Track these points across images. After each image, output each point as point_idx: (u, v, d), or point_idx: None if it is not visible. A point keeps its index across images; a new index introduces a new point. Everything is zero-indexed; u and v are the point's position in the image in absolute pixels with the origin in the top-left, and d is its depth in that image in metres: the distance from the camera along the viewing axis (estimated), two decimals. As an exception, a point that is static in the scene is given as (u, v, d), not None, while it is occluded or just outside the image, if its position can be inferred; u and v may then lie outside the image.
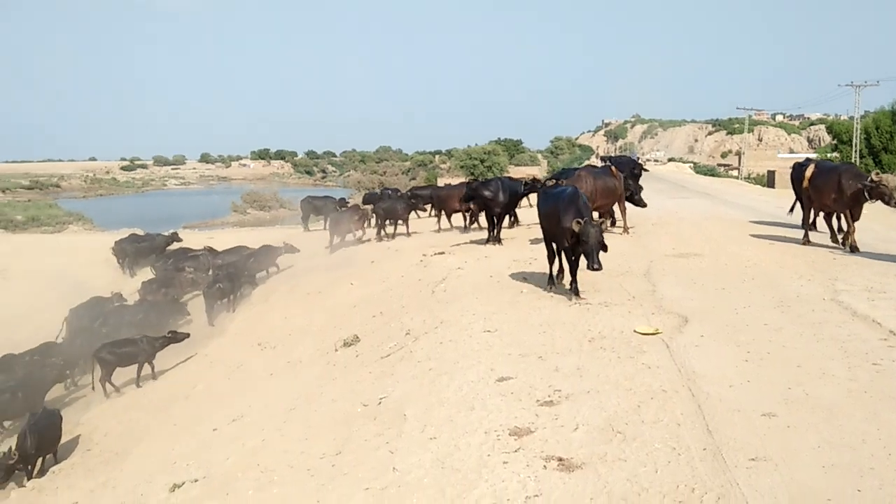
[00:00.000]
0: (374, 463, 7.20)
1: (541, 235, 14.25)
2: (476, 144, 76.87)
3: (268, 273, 24.72)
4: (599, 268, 11.70)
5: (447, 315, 12.23)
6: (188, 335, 18.82)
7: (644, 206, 21.45)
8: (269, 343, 16.20)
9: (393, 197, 27.06)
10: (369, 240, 24.64)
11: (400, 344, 11.56)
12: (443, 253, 18.44)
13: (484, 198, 19.68)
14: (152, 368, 18.03)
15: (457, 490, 6.17)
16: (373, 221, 25.52)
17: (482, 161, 67.12)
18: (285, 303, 19.25)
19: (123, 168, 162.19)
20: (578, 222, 11.80)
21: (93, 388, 18.17)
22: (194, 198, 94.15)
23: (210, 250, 27.32)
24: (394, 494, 6.39)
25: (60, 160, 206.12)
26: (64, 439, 15.55)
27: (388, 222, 24.68)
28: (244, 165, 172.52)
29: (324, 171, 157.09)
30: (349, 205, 30.52)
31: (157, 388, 16.99)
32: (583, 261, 12.03)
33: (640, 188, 21.79)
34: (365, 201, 29.95)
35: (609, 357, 9.02)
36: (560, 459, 6.36)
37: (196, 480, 8.70)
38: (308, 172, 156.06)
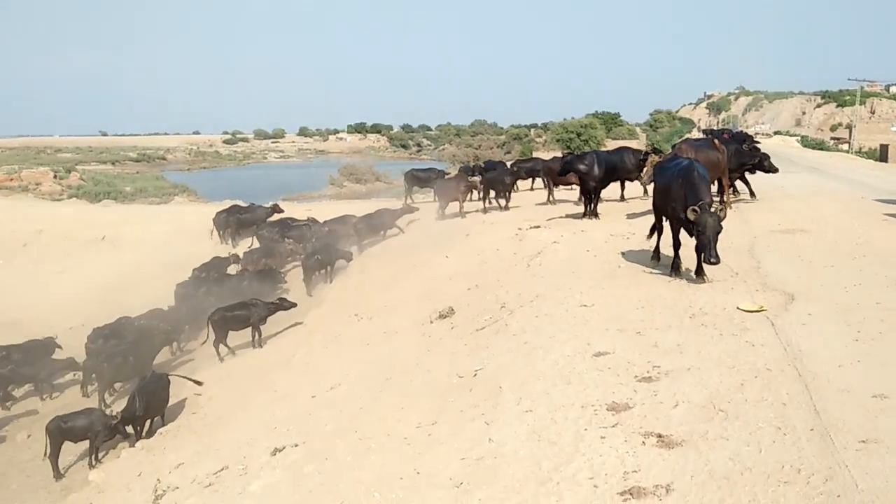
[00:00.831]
0: (469, 433, 7.26)
1: (638, 209, 14.00)
2: (572, 118, 75.61)
3: (384, 236, 25.05)
4: (717, 261, 11.10)
5: (543, 289, 12.18)
6: (295, 304, 19.29)
7: (776, 170, 21.74)
8: (366, 314, 16.47)
9: (499, 169, 26.96)
10: (463, 214, 24.69)
11: (495, 317, 11.59)
12: (538, 227, 18.34)
13: (579, 171, 19.44)
14: (259, 334, 18.58)
15: (553, 463, 6.16)
16: (474, 195, 25.52)
17: (578, 134, 66.07)
18: (381, 275, 19.49)
19: (225, 141, 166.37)
20: (694, 210, 11.15)
21: (203, 344, 18.82)
22: (293, 171, 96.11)
23: (313, 220, 27.88)
24: (489, 465, 6.43)
25: (166, 134, 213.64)
26: (171, 402, 16.25)
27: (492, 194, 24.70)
28: (341, 139, 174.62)
29: (419, 145, 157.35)
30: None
31: (257, 356, 17.50)
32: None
33: (767, 155, 21.67)
34: (470, 173, 29.86)
35: (711, 334, 8.82)
36: (659, 436, 6.28)
37: (296, 445, 8.95)
38: (403, 146, 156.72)
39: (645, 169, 20.35)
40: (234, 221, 29.31)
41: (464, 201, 24.75)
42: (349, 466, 7.58)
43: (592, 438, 6.44)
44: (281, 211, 30.19)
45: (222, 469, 9.36)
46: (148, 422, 14.95)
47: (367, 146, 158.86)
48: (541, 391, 7.77)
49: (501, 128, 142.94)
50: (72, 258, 29.65)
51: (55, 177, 64.92)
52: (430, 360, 10.71)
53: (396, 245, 22.95)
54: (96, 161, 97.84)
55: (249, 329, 18.56)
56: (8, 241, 31.24)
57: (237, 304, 19.07)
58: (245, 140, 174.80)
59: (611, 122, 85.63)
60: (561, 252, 14.91)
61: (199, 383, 15.98)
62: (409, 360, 11.28)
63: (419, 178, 31.81)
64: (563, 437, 6.60)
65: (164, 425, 14.66)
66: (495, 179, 24.80)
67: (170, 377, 16.10)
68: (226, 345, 18.51)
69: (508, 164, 31.03)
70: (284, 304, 19.13)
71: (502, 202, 24.55)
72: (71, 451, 14.70)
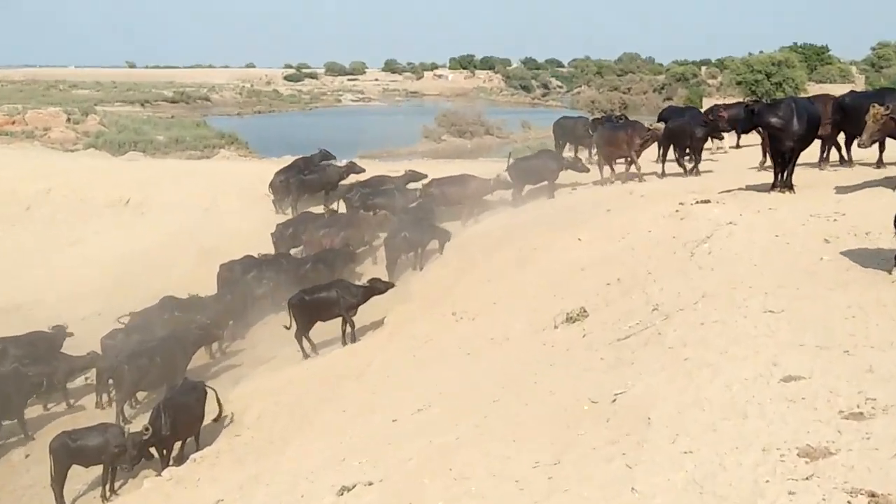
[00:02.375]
0: (604, 479, 7.21)
1: (849, 180, 13.57)
2: (760, 52, 73.80)
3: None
4: None
5: (712, 286, 11.99)
6: (393, 285, 19.66)
7: None
8: (467, 313, 16.56)
9: (689, 116, 26.12)
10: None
11: (644, 323, 11.46)
12: (708, 201, 17.99)
13: (770, 126, 18.95)
14: (352, 326, 19.14)
15: (721, 526, 6.06)
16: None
17: (769, 76, 64.51)
18: (489, 261, 19.52)
19: (287, 78, 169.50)
20: None
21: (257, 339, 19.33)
22: (375, 118, 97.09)
23: (413, 174, 28.26)
24: (632, 523, 6.38)
25: (212, 66, 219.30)
26: (208, 420, 16.74)
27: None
28: (440, 77, 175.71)
29: (545, 86, 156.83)
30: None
31: (324, 364, 17.83)
32: None
33: None
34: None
35: (952, 357, 8.49)
36: (872, 495, 6.08)
37: (370, 484, 9.06)
38: (524, 87, 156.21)
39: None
40: (294, 184, 29.66)
41: (638, 157, 24.29)
42: (441, 517, 7.64)
43: (777, 494, 6.28)
44: (361, 170, 30.42)
45: (273, 510, 9.60)
46: (178, 444, 15.41)
47: (474, 87, 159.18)
48: (705, 426, 7.65)
49: (660, 65, 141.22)
50: (87, 227, 30.81)
51: (68, 120, 67.52)
52: (552, 379, 10.68)
53: (511, 222, 22.90)
54: (121, 101, 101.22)
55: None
56: (7, 204, 32.59)
57: (323, 286, 19.56)
58: (313, 77, 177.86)
59: (815, 58, 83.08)
60: (739, 236, 14.61)
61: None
62: (524, 376, 11.28)
63: (570, 130, 31.49)
64: (736, 490, 6.47)
65: (198, 449, 15.10)
66: (682, 130, 24.32)
67: (207, 388, 16.56)
68: (308, 339, 18.88)
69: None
70: (379, 286, 19.50)
71: (688, 163, 24.17)
72: (80, 476, 15.32)
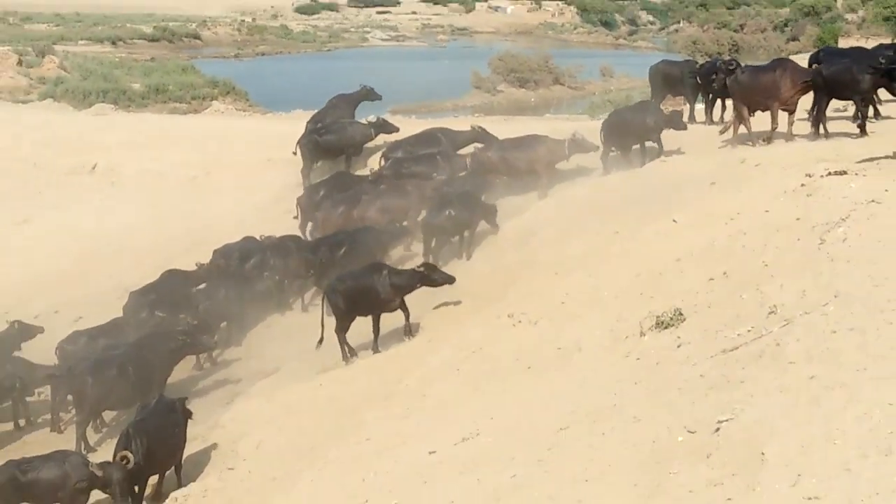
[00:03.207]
0: (705, 532, 7.20)
1: None
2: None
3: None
4: None
5: (848, 284, 11.87)
6: (453, 279, 19.72)
7: None
8: (528, 315, 16.53)
9: (854, 59, 25.37)
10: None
11: (758, 330, 11.40)
12: (844, 173, 17.81)
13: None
14: (406, 315, 19.31)
15: None
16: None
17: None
18: (557, 249, 19.50)
19: (299, 10, 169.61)
20: None
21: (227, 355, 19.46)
22: (411, 63, 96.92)
23: (482, 131, 28.24)
24: None
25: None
26: (193, 448, 16.89)
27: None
28: (496, 9, 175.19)
29: (633, 22, 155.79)
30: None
31: (342, 379, 17.90)
32: None
33: None
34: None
35: None
36: None
37: (400, 535, 9.13)
38: (605, 23, 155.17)
39: None
40: (307, 145, 29.49)
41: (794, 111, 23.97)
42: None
43: (927, 553, 6.25)
44: (394, 129, 30.23)
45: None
46: (154, 478, 15.48)
47: (540, 22, 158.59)
48: (838, 465, 7.60)
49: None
50: (43, 200, 31.09)
51: (20, 63, 68.28)
52: (637, 401, 10.66)
53: (584, 198, 22.83)
54: (86, 38, 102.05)
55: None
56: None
57: (365, 270, 19.80)
58: (331, 8, 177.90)
59: None
60: (884, 219, 14.45)
61: None
62: (600, 397, 11.27)
63: (673, 78, 30.91)
64: (875, 549, 6.44)
65: (180, 486, 15.18)
66: (844, 77, 23.44)
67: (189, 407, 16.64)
68: (342, 338, 19.02)
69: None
70: (434, 276, 19.62)
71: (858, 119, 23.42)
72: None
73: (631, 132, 24.76)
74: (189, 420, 16.36)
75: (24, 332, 21.01)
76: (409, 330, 19.26)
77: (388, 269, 19.94)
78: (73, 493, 14.69)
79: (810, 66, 26.05)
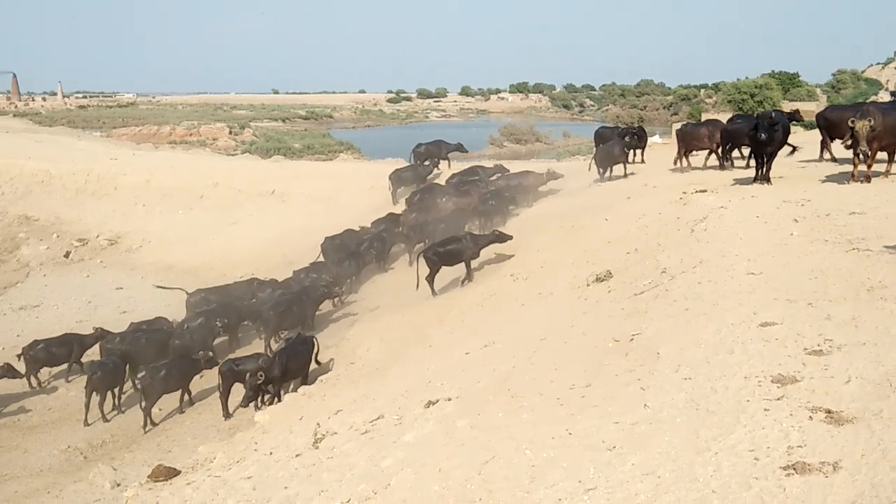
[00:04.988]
0: (624, 398, 7.16)
1: (812, 176, 13.17)
2: (746, 77, 71.87)
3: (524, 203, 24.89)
4: None
5: (707, 255, 11.77)
6: (511, 237, 19.43)
7: None
8: (521, 274, 16.49)
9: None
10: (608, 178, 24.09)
11: (655, 282, 11.32)
12: (705, 191, 17.66)
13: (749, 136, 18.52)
14: (468, 269, 18.93)
15: (712, 433, 5.98)
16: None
17: (752, 96, 62.85)
18: (538, 236, 19.40)
19: (389, 100, 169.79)
20: None
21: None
22: (453, 130, 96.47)
23: (501, 168, 27.98)
24: (644, 431, 6.32)
25: (333, 92, 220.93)
26: (331, 353, 16.96)
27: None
28: (502, 99, 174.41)
29: (581, 105, 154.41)
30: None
31: (414, 311, 17.90)
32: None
33: None
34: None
35: (891, 308, 8.24)
36: (828, 412, 5.95)
37: (449, 399, 9.12)
38: (566, 106, 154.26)
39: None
40: (408, 178, 29.48)
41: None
42: (501, 423, 7.65)
43: (755, 410, 6.19)
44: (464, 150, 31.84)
45: (378, 418, 9.68)
46: (292, 384, 15.32)
47: (528, 106, 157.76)
48: (701, 359, 7.55)
49: (669, 88, 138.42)
50: (243, 210, 31.30)
51: (230, 133, 68.69)
52: (585, 323, 10.62)
53: (554, 207, 22.74)
54: (268, 118, 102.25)
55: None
56: (187, 193, 33.31)
57: (450, 239, 19.49)
58: (408, 99, 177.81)
59: (788, 82, 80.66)
60: (728, 217, 14.29)
61: None
62: (564, 321, 11.23)
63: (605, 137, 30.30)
64: (724, 407, 6.39)
65: (309, 384, 15.03)
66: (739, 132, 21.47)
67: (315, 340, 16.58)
68: (429, 282, 18.93)
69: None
70: (502, 237, 19.30)
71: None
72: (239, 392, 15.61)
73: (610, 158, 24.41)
74: (317, 349, 16.19)
75: (259, 286, 21.23)
76: (469, 277, 18.90)
77: (470, 234, 19.76)
78: (252, 378, 14.68)
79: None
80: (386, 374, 13.10)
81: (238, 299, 20.34)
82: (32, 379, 17.64)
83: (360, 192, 30.25)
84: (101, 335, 18.22)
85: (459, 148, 31.66)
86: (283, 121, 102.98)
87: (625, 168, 24.17)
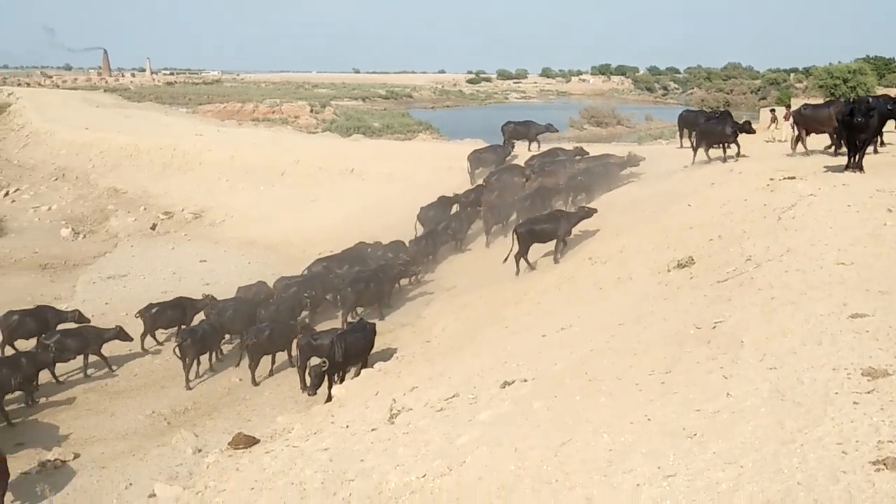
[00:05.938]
0: (705, 386, 7.05)
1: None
2: (839, 62, 69.40)
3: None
4: None
5: (795, 243, 11.45)
6: (596, 210, 19.46)
7: None
8: (600, 258, 16.33)
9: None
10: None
11: (739, 269, 11.07)
12: (793, 178, 17.14)
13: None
14: (563, 245, 18.95)
15: (797, 424, 5.84)
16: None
17: (845, 81, 60.62)
18: (618, 220, 19.19)
19: (469, 81, 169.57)
20: None
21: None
22: (533, 111, 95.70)
23: (580, 150, 27.56)
24: (726, 419, 6.22)
25: (413, 72, 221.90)
26: (407, 331, 17.12)
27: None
28: (584, 80, 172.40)
29: (665, 88, 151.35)
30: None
31: (490, 292, 17.92)
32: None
33: None
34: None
35: None
36: (921, 408, 5.76)
37: (525, 380, 9.12)
38: (648, 89, 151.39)
39: None
40: (472, 159, 29.23)
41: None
42: (578, 406, 7.62)
43: (843, 403, 6.02)
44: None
45: (453, 396, 9.75)
46: (353, 368, 15.26)
47: (610, 88, 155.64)
48: (787, 349, 7.37)
49: (757, 72, 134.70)
50: (323, 188, 31.73)
51: (311, 111, 69.70)
52: (665, 309, 10.47)
53: (634, 191, 22.40)
54: (348, 97, 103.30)
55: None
56: (269, 170, 33.97)
57: (544, 216, 19.54)
58: (488, 80, 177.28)
59: (884, 67, 77.62)
60: (818, 205, 13.86)
61: None
62: (643, 307, 11.09)
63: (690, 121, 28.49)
64: (810, 398, 6.23)
65: (368, 366, 15.11)
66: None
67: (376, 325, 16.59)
68: (526, 260, 18.94)
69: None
70: (590, 211, 19.35)
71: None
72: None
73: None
74: (375, 334, 16.08)
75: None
76: (562, 249, 18.84)
77: (564, 213, 19.73)
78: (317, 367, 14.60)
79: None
80: (461, 353, 13.17)
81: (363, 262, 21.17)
82: (147, 339, 18.47)
83: (438, 172, 30.26)
84: (210, 301, 18.96)
85: (550, 128, 31.42)
86: (364, 100, 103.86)
87: (726, 149, 22.76)
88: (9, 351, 17.48)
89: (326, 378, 14.47)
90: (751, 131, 23.34)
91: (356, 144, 39.12)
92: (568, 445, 6.68)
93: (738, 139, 22.47)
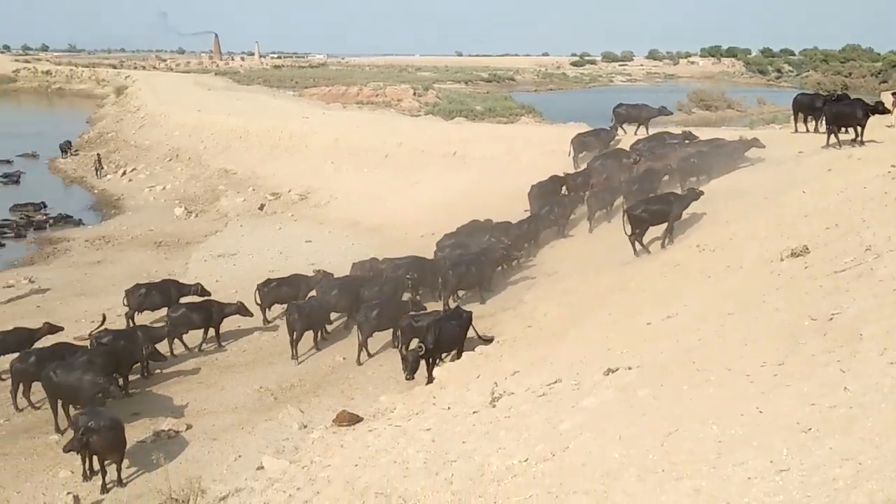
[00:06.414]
0: (821, 379, 6.82)
1: None
2: (970, 42, 65.35)
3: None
4: None
5: (919, 233, 10.92)
6: (703, 192, 19.31)
7: None
8: (708, 245, 15.94)
9: None
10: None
11: (858, 259, 10.61)
12: (920, 164, 16.30)
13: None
14: (671, 231, 18.86)
15: (921, 422, 5.59)
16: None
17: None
18: (727, 207, 18.67)
19: (573, 63, 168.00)
20: None
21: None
22: (638, 95, 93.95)
23: (689, 135, 27.04)
24: (843, 415, 5.99)
25: (516, 55, 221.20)
26: (508, 315, 17.12)
27: None
28: (692, 63, 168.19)
29: (779, 71, 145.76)
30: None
31: (594, 277, 17.76)
32: None
33: None
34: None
35: None
36: None
37: (630, 368, 9.03)
38: (761, 72, 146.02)
39: None
40: (575, 143, 28.88)
41: None
42: (685, 396, 7.50)
43: (974, 403, 5.73)
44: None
45: (556, 382, 9.73)
46: (446, 356, 15.20)
47: (720, 71, 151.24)
48: (911, 344, 7.04)
49: (878, 54, 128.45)
50: (425, 171, 31.96)
51: (414, 94, 70.26)
52: (778, 299, 10.14)
53: (745, 177, 21.72)
54: (451, 80, 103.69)
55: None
56: (373, 153, 34.47)
57: (657, 197, 19.46)
58: (592, 62, 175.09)
59: None
60: (948, 194, 13.17)
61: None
62: (754, 296, 10.78)
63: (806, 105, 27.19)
64: (936, 396, 5.95)
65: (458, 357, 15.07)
66: None
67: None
68: (641, 243, 18.79)
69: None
70: (698, 195, 19.21)
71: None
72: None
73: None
74: (472, 321, 15.90)
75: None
76: (670, 235, 18.65)
77: (676, 194, 19.56)
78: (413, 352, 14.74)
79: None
80: (563, 339, 13.12)
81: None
82: (267, 313, 19.23)
83: (540, 155, 30.02)
84: (322, 277, 19.57)
85: (663, 111, 30.87)
86: (466, 83, 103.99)
87: (861, 133, 21.63)
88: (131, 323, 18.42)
89: (423, 361, 14.64)
90: (885, 111, 22.23)
91: (458, 127, 39.19)
92: (675, 435, 6.58)
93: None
